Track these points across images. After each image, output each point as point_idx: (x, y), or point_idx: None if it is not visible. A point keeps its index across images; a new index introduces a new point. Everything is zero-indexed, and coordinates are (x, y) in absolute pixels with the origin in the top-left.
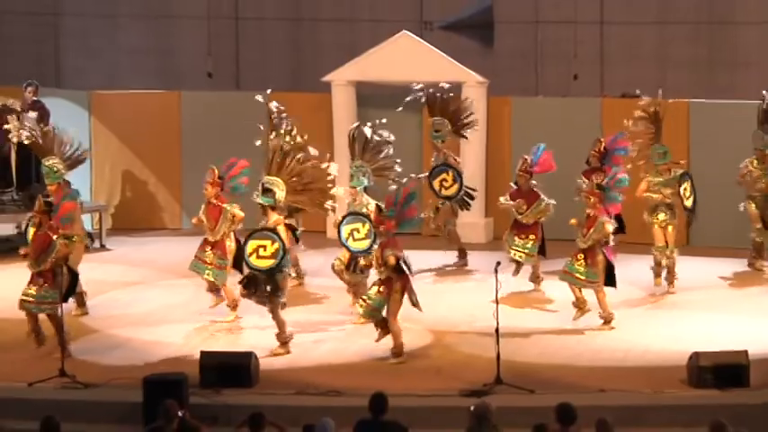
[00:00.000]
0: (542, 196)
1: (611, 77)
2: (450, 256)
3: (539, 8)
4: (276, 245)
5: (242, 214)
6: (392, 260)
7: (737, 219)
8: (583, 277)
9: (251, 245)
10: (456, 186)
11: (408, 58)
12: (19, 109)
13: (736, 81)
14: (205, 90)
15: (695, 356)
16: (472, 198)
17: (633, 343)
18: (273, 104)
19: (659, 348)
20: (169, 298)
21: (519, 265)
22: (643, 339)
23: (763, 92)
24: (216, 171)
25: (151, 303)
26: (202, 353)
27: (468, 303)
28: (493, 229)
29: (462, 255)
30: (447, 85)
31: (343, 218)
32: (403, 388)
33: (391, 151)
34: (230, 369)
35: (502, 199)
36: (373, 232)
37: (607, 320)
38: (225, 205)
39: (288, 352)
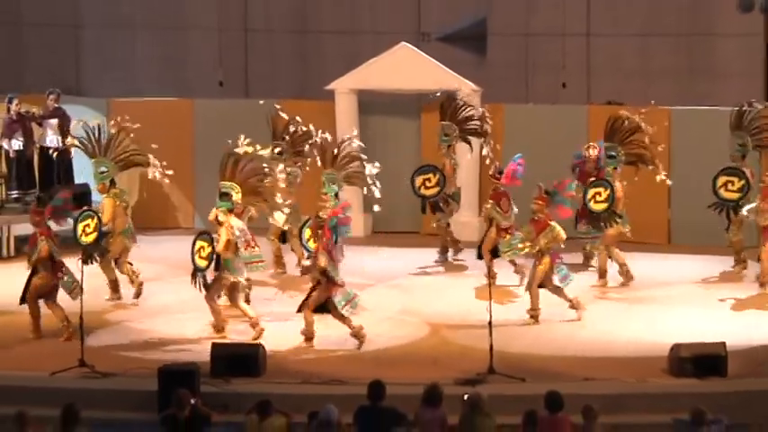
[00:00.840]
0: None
1: (597, 86)
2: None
3: (529, 21)
4: (210, 248)
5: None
6: (322, 264)
7: (716, 219)
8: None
9: (197, 244)
10: (436, 189)
11: (407, 68)
12: (39, 117)
13: (715, 90)
14: (216, 98)
15: (676, 347)
16: (447, 204)
17: (617, 335)
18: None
19: (642, 340)
20: (182, 293)
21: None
22: (626, 332)
23: (753, 101)
24: None
25: (165, 298)
26: (213, 344)
27: (463, 298)
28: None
29: (443, 251)
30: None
31: (305, 222)
32: (401, 377)
33: (361, 161)
34: (239, 360)
35: (488, 206)
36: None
37: (534, 316)
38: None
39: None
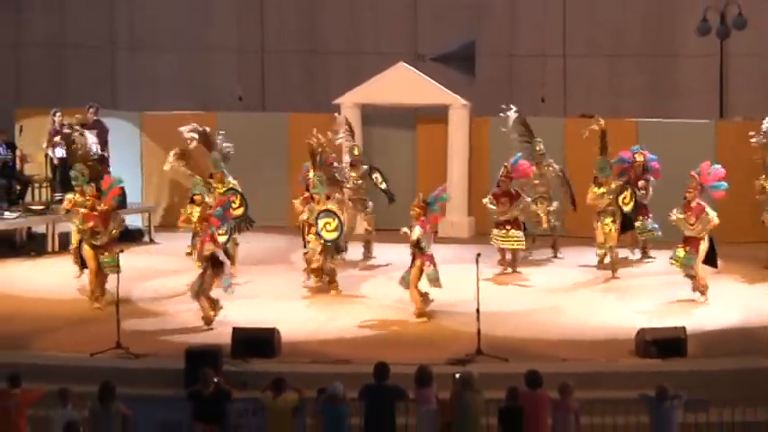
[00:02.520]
0: (522, 195)
1: (572, 101)
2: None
3: (513, 44)
4: (336, 221)
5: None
6: (209, 251)
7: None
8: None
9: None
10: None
11: (405, 85)
12: (79, 127)
13: (677, 105)
14: (237, 111)
15: (642, 332)
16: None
17: (591, 320)
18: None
19: (612, 325)
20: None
21: (503, 251)
22: (599, 317)
23: None
24: None
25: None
26: (234, 329)
27: (454, 287)
28: (474, 226)
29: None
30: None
31: (318, 213)
32: (400, 357)
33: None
34: (257, 342)
35: (485, 200)
36: (342, 225)
37: (420, 315)
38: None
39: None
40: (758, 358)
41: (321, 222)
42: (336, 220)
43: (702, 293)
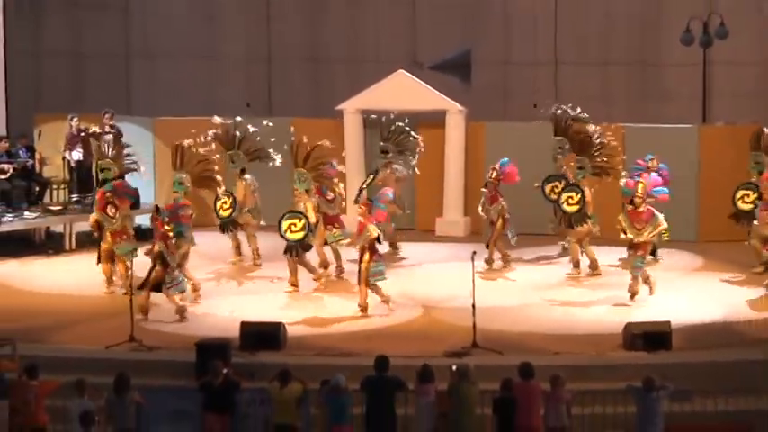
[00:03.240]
0: (501, 200)
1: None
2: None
3: (507, 52)
4: (303, 221)
5: None
6: (155, 250)
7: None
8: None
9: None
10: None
11: (404, 91)
12: (98, 131)
13: (663, 111)
14: (245, 117)
15: (629, 326)
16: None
17: (580, 315)
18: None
19: (601, 319)
20: (215, 279)
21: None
22: (588, 313)
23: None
24: None
25: (202, 284)
26: (242, 323)
27: (451, 284)
28: (470, 226)
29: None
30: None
31: (283, 214)
32: (399, 350)
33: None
34: (264, 335)
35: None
36: (308, 226)
37: (362, 308)
38: None
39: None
40: (739, 350)
41: (285, 224)
42: (303, 221)
43: (649, 288)
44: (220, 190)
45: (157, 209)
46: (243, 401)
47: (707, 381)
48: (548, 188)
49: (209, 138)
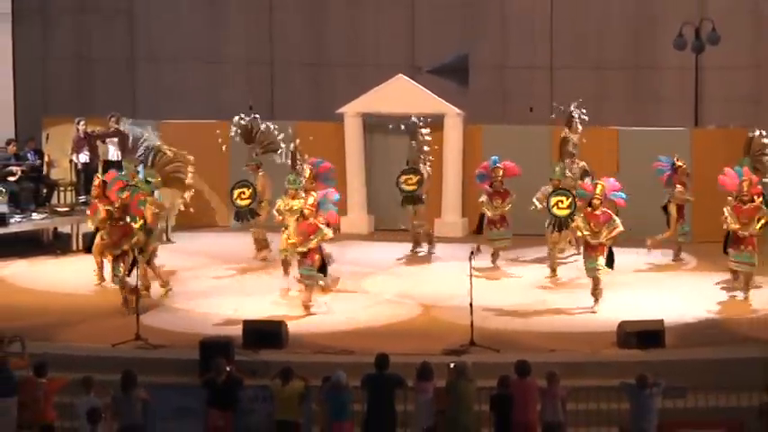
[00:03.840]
0: (512, 194)
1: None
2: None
3: (503, 56)
4: (251, 190)
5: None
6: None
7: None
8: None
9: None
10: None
11: (403, 95)
12: (102, 135)
13: (656, 114)
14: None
15: (623, 324)
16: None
17: (575, 314)
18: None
19: (596, 318)
20: (219, 279)
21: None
22: (583, 311)
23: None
24: None
25: (205, 283)
26: (245, 321)
27: (449, 283)
28: (468, 226)
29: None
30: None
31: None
32: (399, 348)
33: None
34: (266, 334)
35: (481, 198)
36: (254, 195)
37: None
38: None
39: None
40: (731, 348)
41: (236, 192)
42: (251, 189)
43: (597, 300)
44: (188, 193)
45: (104, 183)
46: (246, 398)
47: (699, 378)
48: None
49: (232, 134)
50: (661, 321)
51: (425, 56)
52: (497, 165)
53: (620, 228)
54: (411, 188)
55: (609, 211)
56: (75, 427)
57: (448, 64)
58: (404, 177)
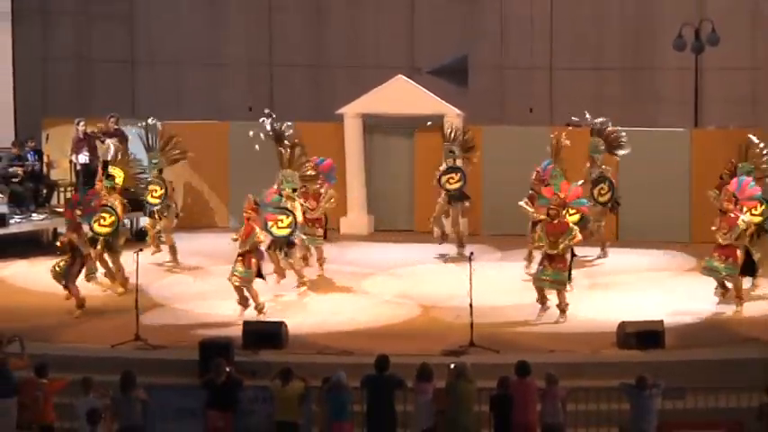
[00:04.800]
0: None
1: (558, 111)
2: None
3: (503, 57)
4: (113, 217)
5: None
6: (65, 240)
7: (655, 220)
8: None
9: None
10: (610, 195)
11: (403, 96)
12: (102, 135)
13: (656, 115)
14: (247, 120)
15: (622, 324)
16: (619, 204)
17: (575, 314)
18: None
19: (595, 318)
20: (219, 279)
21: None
22: (583, 312)
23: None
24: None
25: (205, 284)
26: (245, 322)
27: (449, 284)
28: (468, 227)
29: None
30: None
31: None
32: (398, 348)
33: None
34: (266, 334)
35: (521, 202)
36: (295, 223)
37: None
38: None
39: None
40: (731, 349)
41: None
42: (290, 218)
43: (563, 313)
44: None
45: (68, 201)
46: (245, 399)
47: (699, 378)
48: (595, 191)
49: (264, 135)
50: (661, 322)
51: (425, 56)
52: (538, 169)
53: (579, 237)
54: (455, 186)
55: (567, 221)
56: (74, 427)
57: (447, 65)
58: (446, 177)
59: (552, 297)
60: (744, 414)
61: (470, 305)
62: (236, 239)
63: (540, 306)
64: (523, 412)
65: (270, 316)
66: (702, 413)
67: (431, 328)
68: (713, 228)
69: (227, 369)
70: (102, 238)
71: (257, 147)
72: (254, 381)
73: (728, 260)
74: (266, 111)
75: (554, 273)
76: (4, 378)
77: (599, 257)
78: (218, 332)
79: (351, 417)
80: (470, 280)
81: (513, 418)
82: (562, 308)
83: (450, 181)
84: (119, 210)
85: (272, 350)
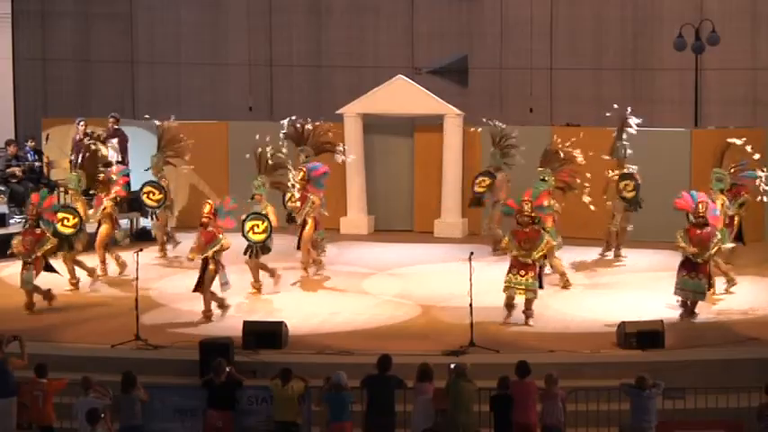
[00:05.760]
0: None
1: (558, 111)
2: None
3: (503, 57)
4: (76, 219)
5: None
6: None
7: (653, 222)
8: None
9: (249, 224)
10: (635, 193)
11: (402, 96)
12: (104, 135)
13: (656, 115)
14: (247, 120)
15: (623, 324)
16: (641, 206)
17: (575, 315)
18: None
19: (594, 319)
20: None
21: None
22: (582, 312)
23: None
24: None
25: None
26: (245, 322)
27: (449, 284)
28: (467, 227)
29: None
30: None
31: (247, 215)
32: (398, 348)
33: (287, 169)
34: (266, 334)
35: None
36: (270, 228)
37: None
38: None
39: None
40: (730, 349)
41: (249, 224)
42: (266, 223)
43: (530, 318)
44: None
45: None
46: (245, 399)
47: (699, 378)
48: (621, 185)
49: (281, 136)
50: (661, 322)
51: (425, 57)
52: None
53: (553, 242)
54: (481, 190)
55: (539, 228)
56: (74, 427)
57: (447, 65)
58: (479, 179)
59: (519, 301)
60: (744, 414)
61: (470, 305)
62: (191, 258)
63: (506, 312)
64: (523, 412)
65: (270, 316)
66: (702, 413)
67: (431, 328)
68: (690, 249)
69: (227, 369)
70: (65, 237)
71: (247, 156)
72: (254, 381)
73: (699, 276)
74: (249, 106)
75: (525, 280)
76: (4, 378)
77: (616, 257)
78: (218, 332)
79: (351, 417)
80: (470, 280)
81: (513, 418)
82: (528, 314)
83: (481, 184)
84: (81, 211)
85: (271, 350)
